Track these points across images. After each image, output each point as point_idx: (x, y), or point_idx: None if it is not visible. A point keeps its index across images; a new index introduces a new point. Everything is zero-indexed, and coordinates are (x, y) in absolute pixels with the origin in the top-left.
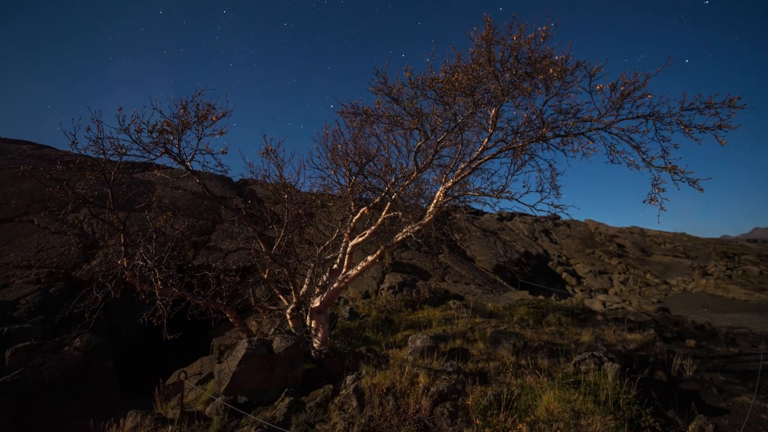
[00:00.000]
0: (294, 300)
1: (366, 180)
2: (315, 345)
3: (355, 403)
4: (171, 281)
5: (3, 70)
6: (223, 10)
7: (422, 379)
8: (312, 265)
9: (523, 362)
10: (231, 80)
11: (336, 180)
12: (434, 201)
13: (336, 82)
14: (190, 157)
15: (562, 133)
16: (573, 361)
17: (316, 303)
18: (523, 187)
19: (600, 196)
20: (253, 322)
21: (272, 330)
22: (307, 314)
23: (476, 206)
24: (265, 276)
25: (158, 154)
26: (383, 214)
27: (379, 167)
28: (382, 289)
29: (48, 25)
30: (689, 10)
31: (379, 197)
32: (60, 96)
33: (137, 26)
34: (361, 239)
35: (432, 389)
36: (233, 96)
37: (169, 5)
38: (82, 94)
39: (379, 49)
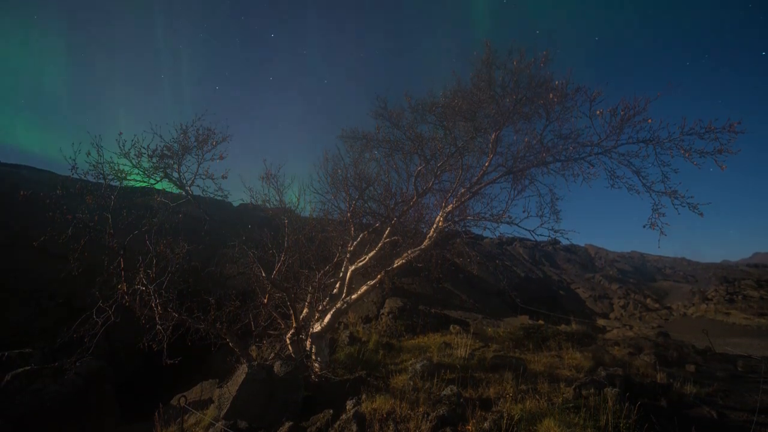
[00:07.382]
0: (294, 325)
1: (366, 204)
2: (315, 370)
3: (355, 428)
4: (171, 306)
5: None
6: (270, 77)
7: (422, 404)
8: (312, 289)
9: (524, 387)
10: (284, 144)
11: (336, 205)
12: (434, 225)
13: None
14: (190, 182)
15: (563, 157)
16: (573, 386)
17: (317, 328)
18: (523, 212)
19: (600, 220)
20: (254, 347)
21: (272, 355)
22: (307, 339)
23: (476, 231)
24: (265, 301)
25: (158, 179)
26: (383, 238)
27: (379, 192)
28: (383, 313)
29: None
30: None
31: (379, 222)
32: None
33: (200, 102)
34: (360, 264)
35: (432, 414)
36: (287, 156)
37: (223, 82)
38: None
39: (418, 88)
